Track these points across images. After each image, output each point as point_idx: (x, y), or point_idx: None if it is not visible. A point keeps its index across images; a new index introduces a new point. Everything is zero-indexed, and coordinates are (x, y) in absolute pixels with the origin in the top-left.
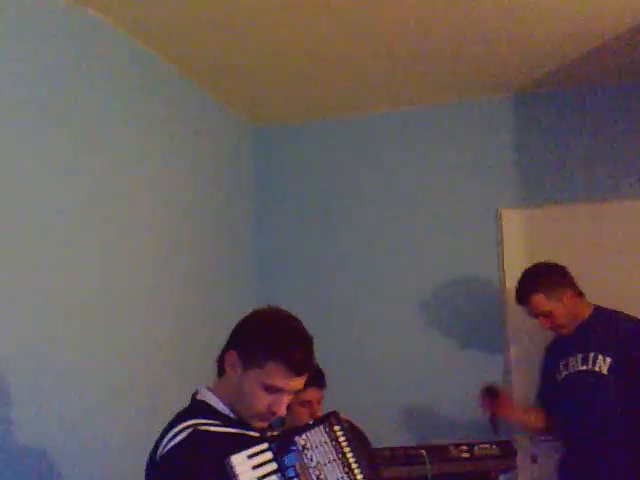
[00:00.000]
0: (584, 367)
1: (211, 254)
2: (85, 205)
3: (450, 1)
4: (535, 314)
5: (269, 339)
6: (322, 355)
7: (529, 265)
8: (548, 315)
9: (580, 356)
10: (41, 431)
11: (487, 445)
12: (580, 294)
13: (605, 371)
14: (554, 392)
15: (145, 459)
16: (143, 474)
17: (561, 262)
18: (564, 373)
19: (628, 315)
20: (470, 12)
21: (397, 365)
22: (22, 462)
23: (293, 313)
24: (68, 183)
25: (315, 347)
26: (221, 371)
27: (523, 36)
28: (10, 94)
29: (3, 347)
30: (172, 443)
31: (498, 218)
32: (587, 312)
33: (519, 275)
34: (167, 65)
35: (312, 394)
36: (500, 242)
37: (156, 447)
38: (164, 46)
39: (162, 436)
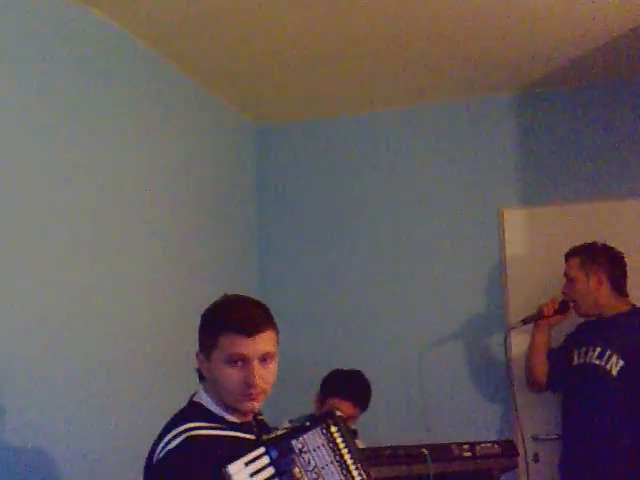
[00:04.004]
0: (597, 362)
1: (212, 254)
2: (86, 205)
3: (451, 1)
4: (565, 274)
5: (212, 320)
6: (322, 352)
7: (534, 264)
8: (571, 281)
9: (598, 350)
10: (41, 431)
11: (489, 444)
12: (620, 292)
13: (614, 373)
14: (567, 372)
15: (143, 458)
16: (141, 473)
17: (561, 262)
18: (580, 360)
19: None
20: (470, 12)
21: (399, 365)
22: (22, 462)
23: (294, 312)
24: (69, 181)
25: (315, 345)
26: (200, 376)
27: (523, 36)
28: (11, 93)
29: (3, 348)
30: (167, 448)
31: (500, 218)
32: (622, 309)
33: (521, 275)
34: (169, 64)
35: (344, 406)
36: (502, 241)
37: (153, 450)
38: (167, 45)
39: (159, 439)
